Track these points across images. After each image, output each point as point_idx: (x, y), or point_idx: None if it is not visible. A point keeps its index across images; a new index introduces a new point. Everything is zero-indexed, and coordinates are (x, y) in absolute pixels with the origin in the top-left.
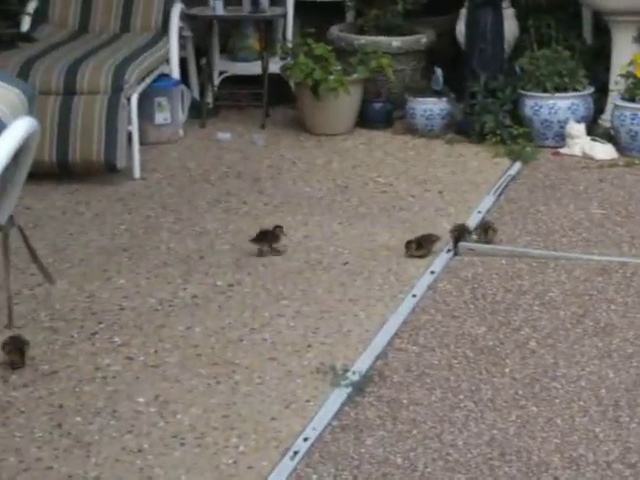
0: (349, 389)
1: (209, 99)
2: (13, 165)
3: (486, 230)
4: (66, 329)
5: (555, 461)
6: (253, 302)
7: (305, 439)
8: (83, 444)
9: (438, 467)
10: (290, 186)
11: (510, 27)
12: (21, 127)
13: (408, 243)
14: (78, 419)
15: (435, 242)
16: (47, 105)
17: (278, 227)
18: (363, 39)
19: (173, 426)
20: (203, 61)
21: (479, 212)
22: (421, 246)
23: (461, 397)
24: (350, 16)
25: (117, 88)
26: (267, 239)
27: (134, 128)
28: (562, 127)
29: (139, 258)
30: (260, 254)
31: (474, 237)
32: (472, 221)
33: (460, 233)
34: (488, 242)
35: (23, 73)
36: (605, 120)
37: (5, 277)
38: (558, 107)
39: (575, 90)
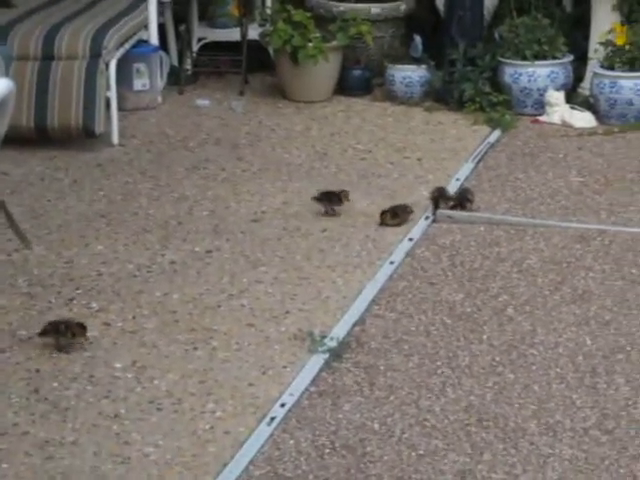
0: (326, 355)
1: (188, 65)
2: None
3: (463, 201)
4: (44, 295)
5: (532, 427)
6: (231, 268)
7: (282, 405)
8: (60, 409)
9: (415, 433)
10: (269, 153)
11: None
12: None
13: (383, 213)
14: (55, 384)
15: (410, 213)
16: (25, 70)
17: (344, 192)
18: (342, 6)
19: (150, 391)
20: (182, 27)
21: (457, 179)
22: (396, 215)
23: (438, 363)
24: None
25: (95, 54)
26: (330, 200)
27: (112, 94)
28: (541, 95)
29: (117, 224)
30: (326, 213)
31: (451, 203)
32: (451, 188)
33: (438, 197)
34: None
35: (1, 38)
36: (584, 88)
37: None
38: (537, 75)
39: (554, 58)
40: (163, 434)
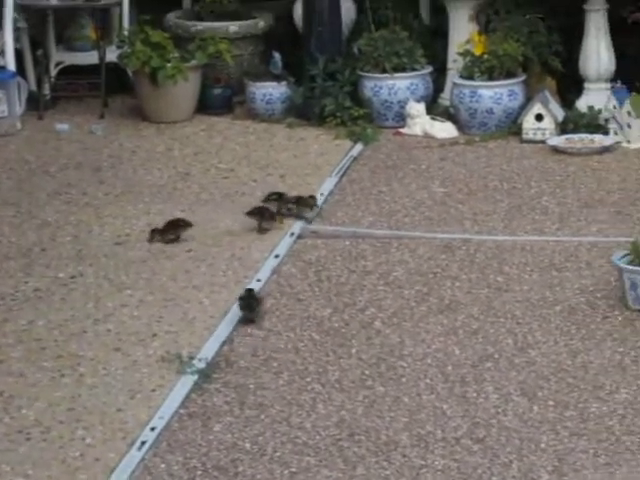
0: (195, 376)
1: (46, 90)
2: None
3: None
4: None
5: (404, 439)
6: (96, 293)
7: (152, 428)
8: None
9: (287, 450)
10: (131, 175)
11: (347, 9)
12: None
13: (153, 230)
14: None
15: (184, 227)
16: None
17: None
18: (200, 25)
19: (18, 421)
20: (39, 52)
21: (322, 194)
22: (166, 232)
23: (308, 379)
24: (187, 3)
25: None
26: (263, 215)
27: None
28: (402, 107)
29: None
30: (259, 229)
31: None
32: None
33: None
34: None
35: None
36: (444, 99)
37: None
38: (397, 87)
39: (414, 70)
40: (32, 464)
